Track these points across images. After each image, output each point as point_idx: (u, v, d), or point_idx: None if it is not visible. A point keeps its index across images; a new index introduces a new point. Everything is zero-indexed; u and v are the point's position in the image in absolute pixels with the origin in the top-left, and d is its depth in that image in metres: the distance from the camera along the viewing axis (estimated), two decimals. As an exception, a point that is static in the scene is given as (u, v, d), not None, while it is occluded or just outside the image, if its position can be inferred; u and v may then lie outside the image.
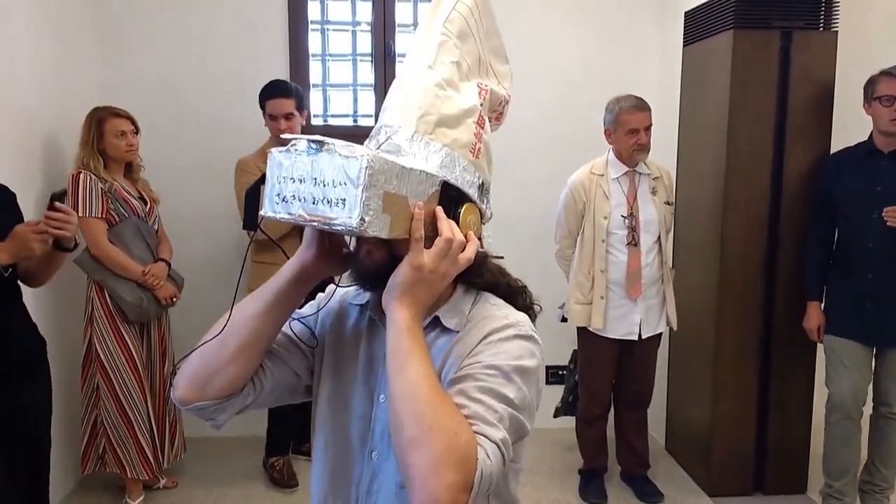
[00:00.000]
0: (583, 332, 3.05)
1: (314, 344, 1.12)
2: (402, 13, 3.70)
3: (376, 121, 1.06)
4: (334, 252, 1.03)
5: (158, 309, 2.96)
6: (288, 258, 1.05)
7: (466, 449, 0.84)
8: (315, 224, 0.90)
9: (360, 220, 0.85)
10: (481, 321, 1.02)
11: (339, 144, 0.88)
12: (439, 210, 0.97)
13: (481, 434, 0.87)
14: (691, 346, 3.32)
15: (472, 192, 1.02)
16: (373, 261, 0.98)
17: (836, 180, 2.81)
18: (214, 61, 3.51)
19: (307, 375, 1.13)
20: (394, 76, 1.09)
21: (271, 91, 2.96)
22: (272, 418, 3.17)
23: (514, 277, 1.14)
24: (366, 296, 1.10)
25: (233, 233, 2.94)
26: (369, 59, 3.72)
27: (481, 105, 1.06)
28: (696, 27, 3.28)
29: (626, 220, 2.93)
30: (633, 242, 2.94)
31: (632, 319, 2.97)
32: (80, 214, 2.70)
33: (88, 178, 2.75)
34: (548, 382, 3.68)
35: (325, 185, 0.87)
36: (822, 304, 2.89)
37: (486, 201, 1.07)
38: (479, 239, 1.05)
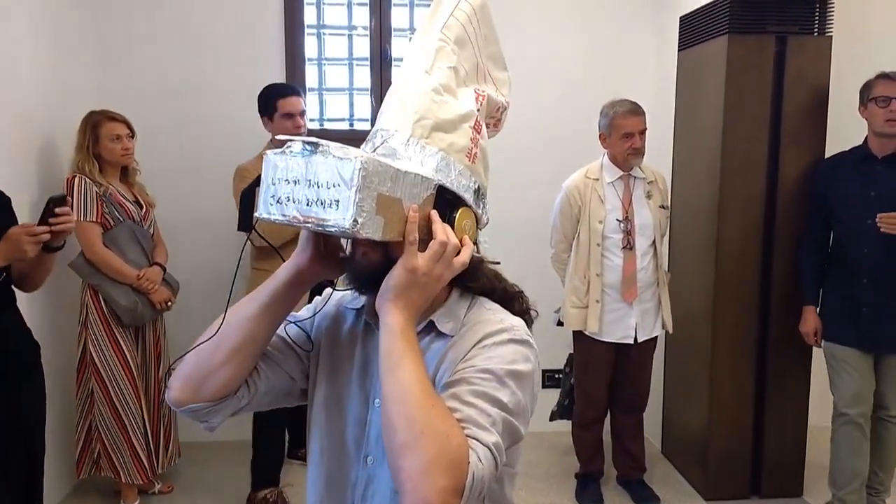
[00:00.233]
0: (579, 336, 3.05)
1: (309, 347, 1.12)
2: (398, 18, 3.71)
3: (373, 125, 1.06)
4: (330, 255, 1.03)
5: (153, 313, 2.95)
6: (283, 259, 1.05)
7: (458, 453, 0.84)
8: (309, 225, 0.90)
9: (353, 221, 0.85)
10: (476, 326, 1.02)
11: (333, 146, 0.88)
12: (434, 213, 0.97)
13: (473, 438, 0.87)
14: (687, 349, 3.32)
15: (468, 197, 1.02)
16: (368, 263, 0.98)
17: (831, 185, 2.82)
18: (211, 65, 3.51)
19: (302, 379, 1.12)
20: (390, 80, 1.10)
21: (284, 90, 2.94)
22: (256, 449, 3.00)
23: (511, 282, 1.14)
24: (362, 300, 1.10)
25: (229, 237, 2.94)
26: (366, 63, 3.72)
27: (478, 110, 1.07)
28: (691, 32, 3.30)
29: (622, 224, 2.94)
30: (629, 246, 2.94)
31: (627, 323, 2.97)
32: (76, 218, 2.69)
33: (83, 181, 2.75)
34: (544, 386, 3.68)
35: (319, 187, 0.88)
36: (819, 309, 2.90)
37: (482, 206, 1.07)
38: (476, 244, 1.05)
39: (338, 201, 0.86)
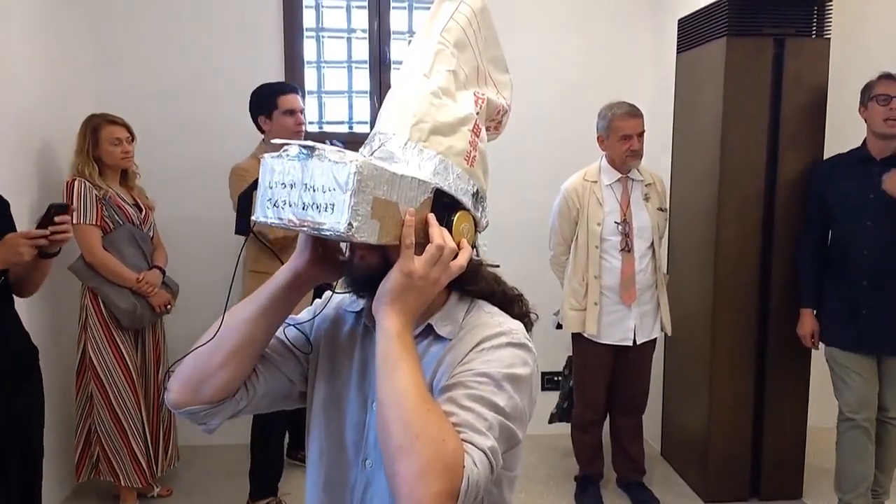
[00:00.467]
0: (577, 339, 3.05)
1: (308, 350, 1.12)
2: (397, 21, 3.72)
3: (372, 128, 1.07)
4: (328, 258, 1.04)
5: (153, 316, 2.95)
6: (282, 262, 1.05)
7: (453, 457, 0.84)
8: (305, 229, 0.90)
9: (348, 225, 0.86)
10: (474, 329, 1.02)
11: (329, 150, 0.88)
12: (431, 217, 0.97)
13: (469, 442, 0.87)
14: (686, 351, 3.32)
15: (466, 200, 1.02)
16: (366, 266, 0.98)
17: (829, 186, 2.83)
18: (210, 68, 3.52)
19: (301, 381, 1.12)
20: (389, 83, 1.10)
21: (283, 87, 2.93)
22: (255, 459, 2.97)
23: (510, 286, 1.14)
24: (361, 303, 1.10)
25: (228, 240, 2.94)
26: (365, 66, 3.73)
27: (478, 114, 1.06)
28: (689, 34, 3.30)
29: (620, 227, 2.94)
30: (627, 248, 2.94)
31: (626, 325, 2.97)
32: (75, 222, 2.70)
33: (83, 185, 2.75)
34: (543, 389, 3.68)
35: (315, 191, 0.88)
36: (818, 311, 2.90)
37: (481, 209, 1.07)
38: (474, 247, 1.05)
39: (333, 205, 0.86)
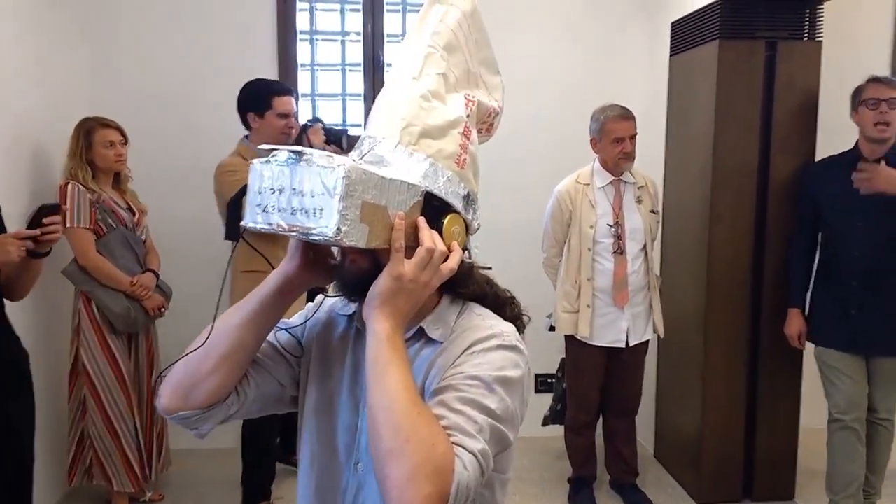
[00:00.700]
0: (570, 341, 3.06)
1: (300, 354, 1.12)
2: (391, 23, 3.72)
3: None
4: (319, 262, 1.04)
5: (147, 320, 2.95)
6: (273, 267, 1.06)
7: (443, 460, 0.84)
8: (294, 234, 0.91)
9: (337, 229, 0.86)
10: (466, 332, 1.02)
11: (317, 155, 0.89)
12: (421, 220, 0.96)
13: (459, 445, 0.87)
14: (679, 353, 3.33)
15: (457, 203, 1.02)
16: (357, 270, 0.98)
17: (821, 188, 2.84)
18: (203, 71, 3.52)
19: (292, 386, 1.13)
20: (383, 86, 1.10)
21: (280, 88, 2.90)
22: (247, 463, 2.96)
23: (503, 288, 1.14)
24: (353, 306, 1.10)
25: (221, 243, 2.94)
26: (358, 68, 3.73)
27: (468, 116, 1.06)
28: (682, 37, 3.31)
29: (612, 229, 2.95)
30: (619, 251, 2.95)
31: (619, 327, 2.98)
32: (69, 225, 2.70)
33: (77, 188, 2.75)
34: (537, 391, 3.69)
35: (303, 196, 0.88)
36: (806, 311, 2.91)
37: (472, 212, 1.07)
38: (466, 249, 1.05)
39: (322, 210, 0.87)
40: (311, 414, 1.10)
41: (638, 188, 3.02)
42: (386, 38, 3.71)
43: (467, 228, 1.05)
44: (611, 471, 3.24)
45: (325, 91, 3.78)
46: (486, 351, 0.97)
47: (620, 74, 3.76)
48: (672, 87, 3.42)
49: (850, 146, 2.82)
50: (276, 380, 1.10)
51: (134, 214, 2.96)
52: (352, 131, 3.78)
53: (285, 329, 1.12)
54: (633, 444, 3.19)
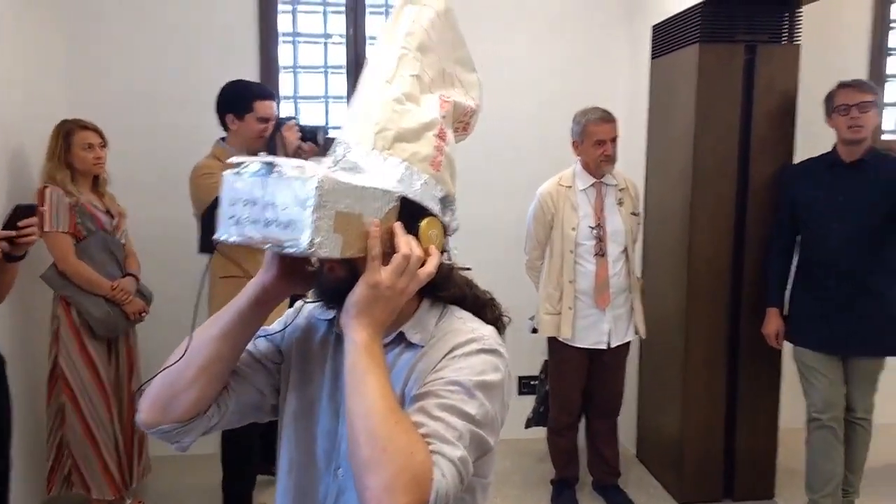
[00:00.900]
0: (552, 342, 3.07)
1: (280, 361, 1.12)
2: (374, 26, 3.72)
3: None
4: (297, 271, 1.03)
5: (127, 324, 2.93)
6: (251, 274, 1.05)
7: (421, 469, 0.84)
8: (268, 246, 0.90)
9: (310, 242, 0.85)
10: (446, 336, 1.02)
11: (289, 165, 0.88)
12: (397, 226, 0.96)
13: (438, 453, 0.87)
14: (661, 354, 3.35)
15: (434, 206, 1.02)
16: (334, 278, 0.98)
17: (799, 190, 2.87)
18: (184, 73, 3.50)
19: (272, 394, 1.12)
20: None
21: (263, 92, 2.87)
22: (227, 470, 2.96)
23: (483, 289, 1.14)
24: (333, 311, 1.10)
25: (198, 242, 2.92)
26: (341, 71, 3.72)
27: (443, 117, 1.06)
28: (663, 41, 3.33)
29: (594, 231, 2.96)
30: (601, 253, 2.97)
31: (601, 329, 3.00)
32: (48, 229, 2.67)
33: (56, 192, 2.72)
34: (520, 393, 3.70)
35: (276, 207, 0.87)
36: (787, 312, 2.93)
37: (449, 214, 1.06)
38: (445, 251, 1.05)
39: (295, 222, 0.86)
40: (290, 420, 1.09)
41: (619, 190, 3.03)
42: (369, 41, 3.70)
43: (445, 231, 1.05)
44: (593, 472, 3.25)
45: (307, 93, 3.77)
46: (467, 355, 0.98)
47: (602, 77, 3.78)
48: (653, 90, 3.44)
49: (828, 148, 2.85)
50: (255, 389, 1.10)
51: (113, 218, 2.93)
52: (333, 133, 3.78)
53: (264, 336, 1.12)
54: (615, 445, 3.21)
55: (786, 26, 3.05)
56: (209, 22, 3.52)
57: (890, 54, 3.88)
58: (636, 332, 3.11)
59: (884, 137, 3.91)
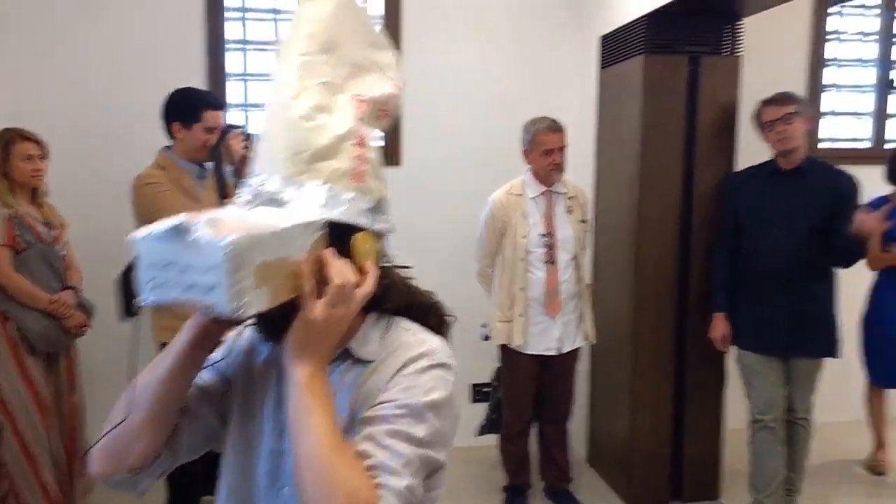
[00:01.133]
0: (504, 350, 3.09)
1: (227, 388, 1.09)
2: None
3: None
4: None
5: (68, 339, 2.85)
6: None
7: None
8: (199, 309, 0.88)
9: (234, 307, 0.81)
10: (397, 350, 1.00)
11: (198, 227, 0.82)
12: (326, 253, 0.93)
13: (384, 486, 0.87)
14: (610, 359, 3.40)
15: (364, 220, 0.98)
16: (272, 315, 0.93)
17: (740, 198, 2.95)
18: (129, 80, 3.42)
19: (223, 423, 1.09)
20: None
21: (215, 102, 2.80)
22: (171, 488, 2.90)
23: (425, 292, 1.12)
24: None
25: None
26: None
27: (361, 119, 1.01)
28: (610, 51, 3.39)
29: (544, 239, 3.00)
30: (551, 260, 3.00)
31: (551, 335, 3.03)
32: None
33: (-7, 204, 2.65)
34: (474, 400, 3.71)
35: (193, 271, 0.83)
36: (730, 317, 3.00)
37: (382, 219, 1.03)
38: (383, 257, 1.03)
39: (215, 286, 0.81)
40: (232, 444, 1.07)
41: (568, 198, 3.08)
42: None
43: (381, 236, 1.02)
44: (545, 477, 3.28)
45: (257, 101, 3.73)
46: (418, 373, 0.97)
47: (552, 86, 3.82)
48: (601, 100, 3.50)
49: (769, 157, 2.94)
50: (206, 423, 1.07)
51: (52, 229, 2.85)
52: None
53: (209, 366, 1.08)
54: (566, 450, 3.25)
55: (727, 38, 3.13)
56: (155, 29, 3.45)
57: (826, 66, 4.02)
58: (586, 338, 3.15)
59: (821, 146, 4.04)
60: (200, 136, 2.72)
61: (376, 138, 1.05)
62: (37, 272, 2.75)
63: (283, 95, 0.98)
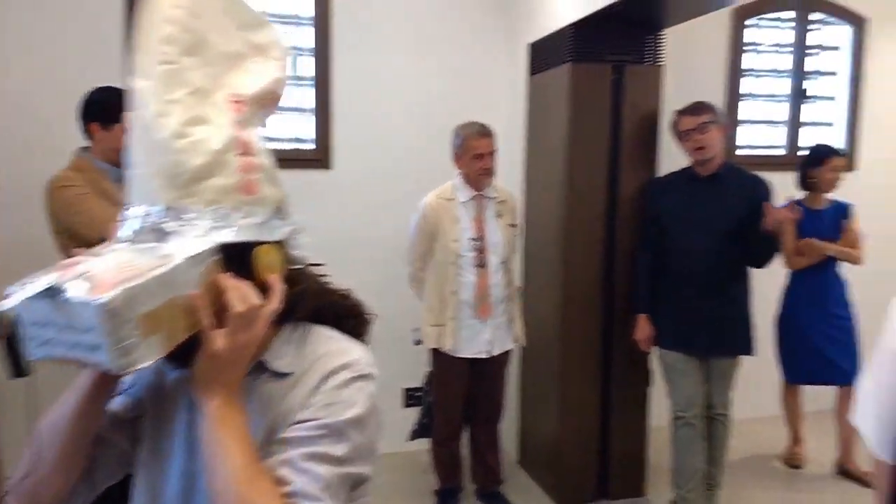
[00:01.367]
0: (435, 354, 3.10)
1: (139, 412, 1.04)
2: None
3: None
4: None
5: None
6: None
7: None
8: (89, 367, 0.84)
9: (122, 363, 0.78)
10: (315, 363, 0.96)
11: (72, 288, 0.77)
12: (222, 279, 0.87)
13: None
14: (540, 361, 3.45)
15: (261, 233, 0.92)
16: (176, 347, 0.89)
17: (662, 203, 3.05)
18: (43, 82, 3.28)
19: (137, 445, 1.05)
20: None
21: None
22: None
23: (343, 292, 1.07)
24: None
25: (57, 261, 2.74)
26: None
27: (241, 121, 0.92)
28: (539, 59, 3.45)
29: (475, 243, 3.02)
30: (482, 264, 3.03)
31: (482, 338, 3.05)
32: None
33: None
34: (406, 405, 3.70)
35: (74, 332, 0.78)
36: (651, 317, 3.09)
37: (284, 225, 0.97)
38: (292, 258, 0.98)
39: (98, 345, 0.77)
40: (142, 467, 1.03)
41: (498, 203, 3.11)
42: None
43: (284, 244, 0.96)
44: (476, 480, 3.30)
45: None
46: (338, 388, 0.93)
47: (483, 92, 3.86)
48: (530, 107, 3.56)
49: (688, 162, 3.05)
50: (121, 449, 1.03)
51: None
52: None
53: (120, 392, 1.04)
54: (497, 452, 3.28)
55: (650, 48, 3.23)
56: (72, 31, 3.32)
57: (744, 76, 4.19)
58: (516, 341, 3.19)
59: (738, 153, 4.21)
60: (120, 137, 2.63)
61: (264, 139, 0.96)
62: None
63: (146, 115, 0.88)
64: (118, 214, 0.92)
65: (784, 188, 3.30)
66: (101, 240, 0.92)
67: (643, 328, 3.08)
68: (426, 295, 3.12)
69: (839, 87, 4.41)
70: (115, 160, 2.65)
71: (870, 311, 3.18)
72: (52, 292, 0.78)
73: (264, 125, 0.99)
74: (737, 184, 2.96)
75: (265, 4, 3.55)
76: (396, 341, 3.42)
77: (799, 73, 4.31)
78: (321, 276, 1.06)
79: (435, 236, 3.05)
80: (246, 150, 0.91)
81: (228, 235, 0.88)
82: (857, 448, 3.49)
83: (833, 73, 4.41)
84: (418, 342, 3.14)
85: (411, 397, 3.70)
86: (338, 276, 1.09)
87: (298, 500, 0.86)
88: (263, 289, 0.91)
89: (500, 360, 3.15)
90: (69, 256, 0.86)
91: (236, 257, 0.90)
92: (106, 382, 0.93)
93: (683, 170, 3.07)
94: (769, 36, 4.28)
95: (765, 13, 4.19)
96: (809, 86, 4.35)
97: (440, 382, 3.14)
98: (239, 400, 0.91)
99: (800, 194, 3.50)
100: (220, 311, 0.87)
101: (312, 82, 3.62)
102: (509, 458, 3.70)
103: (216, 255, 0.88)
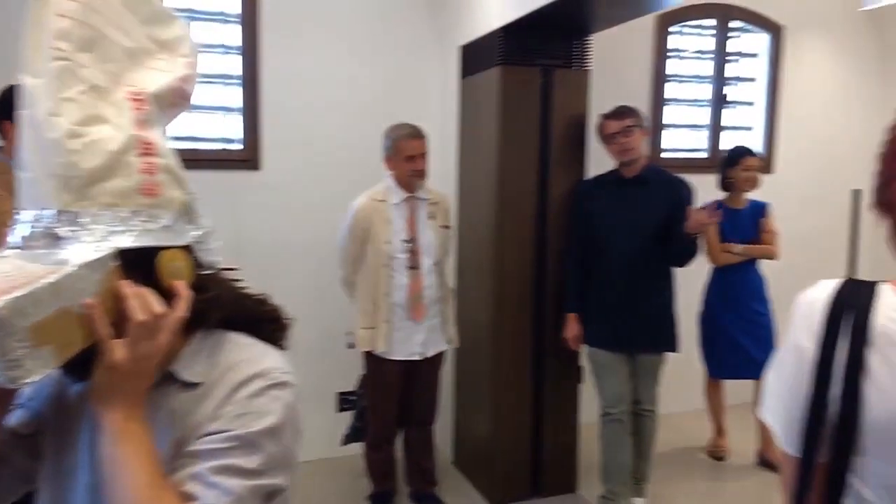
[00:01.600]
0: (368, 357, 3.08)
1: (39, 426, 0.99)
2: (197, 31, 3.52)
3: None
4: None
5: None
6: None
7: None
8: None
9: (12, 376, 0.74)
10: (227, 372, 0.92)
11: None
12: (122, 286, 0.83)
13: None
14: (474, 362, 3.47)
15: (165, 237, 0.88)
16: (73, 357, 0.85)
17: (589, 203, 3.11)
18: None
19: (39, 459, 1.00)
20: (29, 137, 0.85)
21: None
22: None
23: (258, 297, 1.03)
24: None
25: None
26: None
27: (144, 120, 0.88)
28: (470, 61, 3.47)
29: (407, 245, 3.02)
30: (414, 266, 3.03)
31: (415, 340, 3.05)
32: None
33: None
34: (340, 409, 3.66)
35: None
36: (580, 316, 3.15)
37: (192, 226, 0.93)
38: (202, 269, 0.94)
39: None
40: (46, 482, 0.98)
41: (431, 204, 3.11)
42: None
43: (191, 248, 0.92)
44: (411, 483, 3.29)
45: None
46: (250, 398, 0.89)
47: (415, 94, 3.85)
48: (462, 109, 3.57)
49: (615, 165, 3.12)
50: (20, 467, 0.98)
51: None
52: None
53: (19, 405, 0.99)
54: (431, 454, 3.28)
55: (577, 53, 3.29)
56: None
57: (668, 81, 4.32)
58: (449, 342, 3.20)
59: (663, 156, 4.34)
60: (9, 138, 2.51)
61: (169, 138, 0.93)
62: None
63: (37, 114, 0.83)
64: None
65: (706, 190, 3.42)
66: None
67: (572, 327, 3.14)
68: (359, 297, 3.09)
69: (758, 92, 4.60)
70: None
71: (785, 307, 3.31)
72: None
73: (170, 124, 0.95)
74: (661, 185, 3.05)
75: (188, 0, 3.46)
76: (330, 345, 3.38)
77: (720, 79, 4.48)
78: (235, 280, 1.02)
79: (367, 238, 3.02)
80: (148, 150, 0.87)
81: (127, 240, 0.84)
82: (775, 439, 3.63)
83: (752, 79, 4.60)
84: (351, 345, 3.11)
85: (345, 401, 3.66)
86: (268, 280, 1.05)
87: None
88: (169, 296, 0.88)
89: (434, 362, 3.15)
90: None
91: (139, 263, 0.85)
92: (4, 396, 0.88)
93: (610, 172, 3.15)
94: (692, 43, 4.43)
95: (687, 20, 4.33)
96: (730, 91, 4.52)
97: (374, 385, 3.13)
98: (142, 413, 0.87)
99: (721, 195, 3.63)
100: (121, 321, 0.83)
101: (240, 81, 3.54)
102: (444, 459, 3.71)
103: (115, 261, 0.83)
